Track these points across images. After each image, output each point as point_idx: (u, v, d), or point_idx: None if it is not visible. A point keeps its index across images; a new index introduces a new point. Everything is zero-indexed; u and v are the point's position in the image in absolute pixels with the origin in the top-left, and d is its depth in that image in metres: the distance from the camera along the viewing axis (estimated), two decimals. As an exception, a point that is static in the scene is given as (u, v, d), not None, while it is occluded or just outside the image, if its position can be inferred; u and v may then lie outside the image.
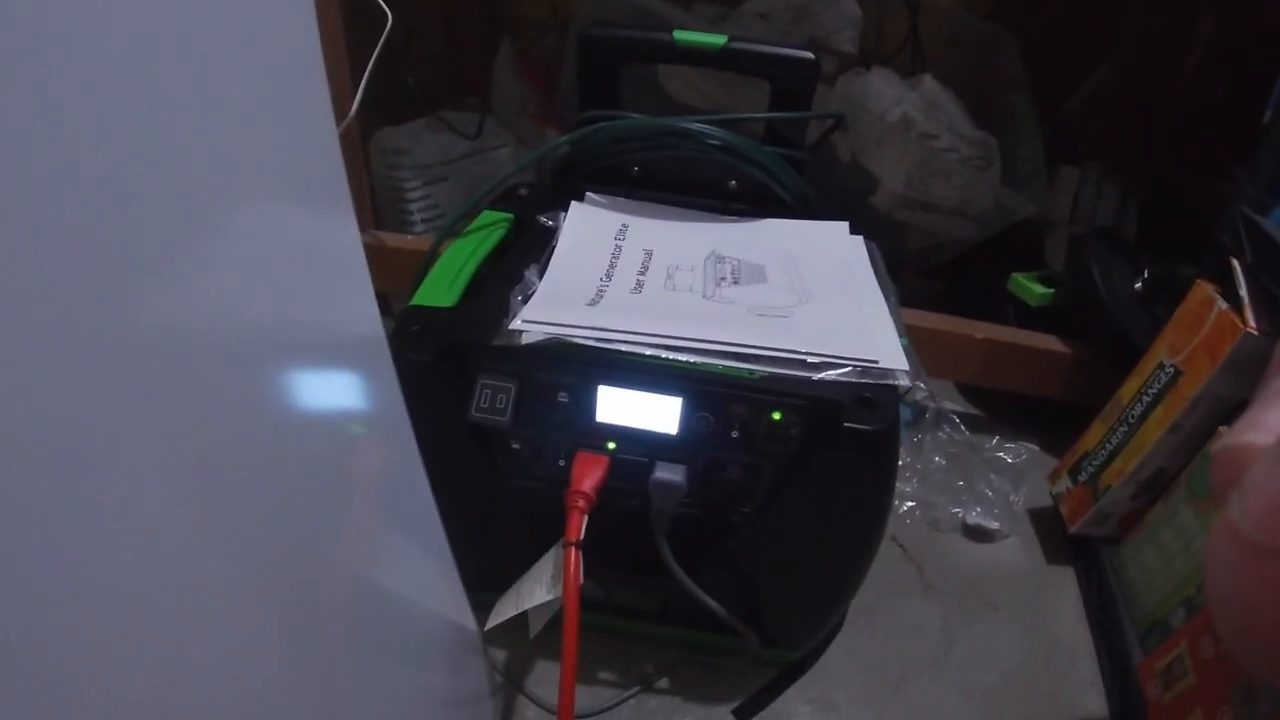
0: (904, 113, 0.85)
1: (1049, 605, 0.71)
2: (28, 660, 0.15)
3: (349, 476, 0.31)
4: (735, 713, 0.59)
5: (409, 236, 0.86)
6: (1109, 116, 1.01)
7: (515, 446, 0.50)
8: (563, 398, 0.48)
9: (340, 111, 0.70)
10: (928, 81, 0.89)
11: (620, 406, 0.48)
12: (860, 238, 0.63)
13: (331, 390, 0.30)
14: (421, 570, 0.41)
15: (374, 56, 0.72)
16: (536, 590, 0.47)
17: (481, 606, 0.50)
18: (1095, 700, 0.63)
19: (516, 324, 0.47)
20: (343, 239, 0.29)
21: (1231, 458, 0.15)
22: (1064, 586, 0.72)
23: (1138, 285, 0.82)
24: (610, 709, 0.58)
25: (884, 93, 0.87)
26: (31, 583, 0.15)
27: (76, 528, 0.16)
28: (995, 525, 0.75)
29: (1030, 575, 0.73)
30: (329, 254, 0.29)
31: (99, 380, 0.16)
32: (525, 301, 0.49)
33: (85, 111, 0.16)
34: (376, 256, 0.30)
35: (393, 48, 0.73)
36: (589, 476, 0.47)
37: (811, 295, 0.54)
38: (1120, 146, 0.99)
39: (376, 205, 0.93)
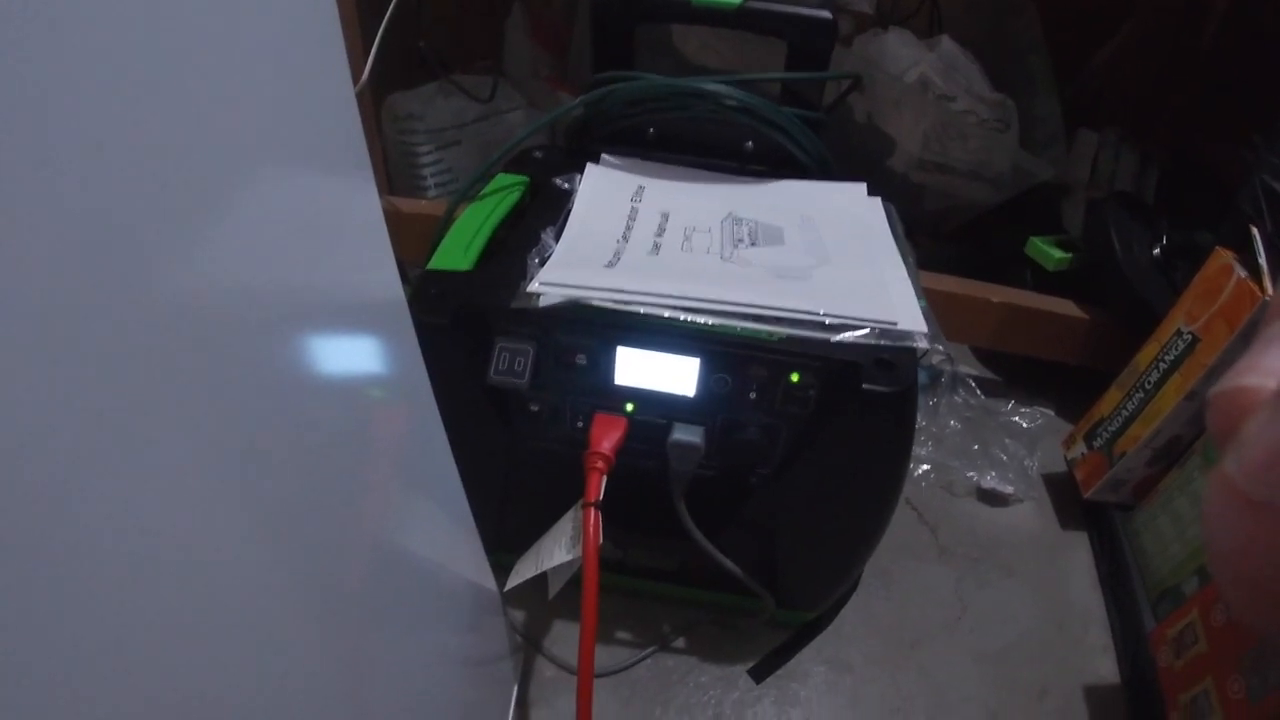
0: (921, 74, 0.84)
1: (1062, 570, 0.71)
2: (67, 618, 0.15)
3: (371, 440, 0.31)
4: (751, 672, 0.60)
5: (423, 201, 0.86)
6: (1128, 80, 0.99)
7: (534, 409, 0.50)
8: (581, 360, 0.48)
9: (351, 77, 0.70)
10: (945, 42, 0.87)
11: (638, 368, 0.48)
12: (878, 199, 0.63)
13: (353, 354, 0.30)
14: (442, 532, 0.41)
15: (385, 21, 0.72)
16: (556, 551, 0.47)
17: (501, 568, 0.51)
18: (1107, 666, 0.63)
19: (534, 286, 0.47)
20: (363, 202, 0.29)
21: (1229, 402, 0.14)
22: (1077, 552, 0.73)
23: (1156, 251, 0.81)
24: (628, 668, 0.59)
25: (901, 54, 0.85)
26: (58, 549, 0.15)
27: (102, 497, 0.16)
28: (1010, 490, 0.75)
29: (1044, 540, 0.73)
30: (349, 218, 0.28)
31: (120, 349, 0.16)
32: (542, 264, 0.49)
33: (101, 80, 0.16)
34: (390, 222, 0.30)
35: (403, 12, 0.73)
36: (607, 438, 0.47)
37: (829, 257, 0.54)
38: (1139, 111, 0.97)
39: (389, 171, 0.92)
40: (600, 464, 0.46)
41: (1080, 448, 0.75)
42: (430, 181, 0.92)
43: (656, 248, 0.53)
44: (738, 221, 0.57)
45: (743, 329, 0.46)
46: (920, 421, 0.78)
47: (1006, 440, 0.78)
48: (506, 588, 0.50)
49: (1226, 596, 0.14)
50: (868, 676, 0.61)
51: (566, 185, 0.60)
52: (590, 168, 0.62)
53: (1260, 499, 0.13)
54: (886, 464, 0.51)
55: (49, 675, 0.15)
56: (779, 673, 0.60)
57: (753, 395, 0.48)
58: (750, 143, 0.65)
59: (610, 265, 0.50)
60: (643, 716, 0.57)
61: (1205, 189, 0.85)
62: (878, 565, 0.68)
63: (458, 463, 0.40)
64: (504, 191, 0.60)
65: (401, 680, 0.35)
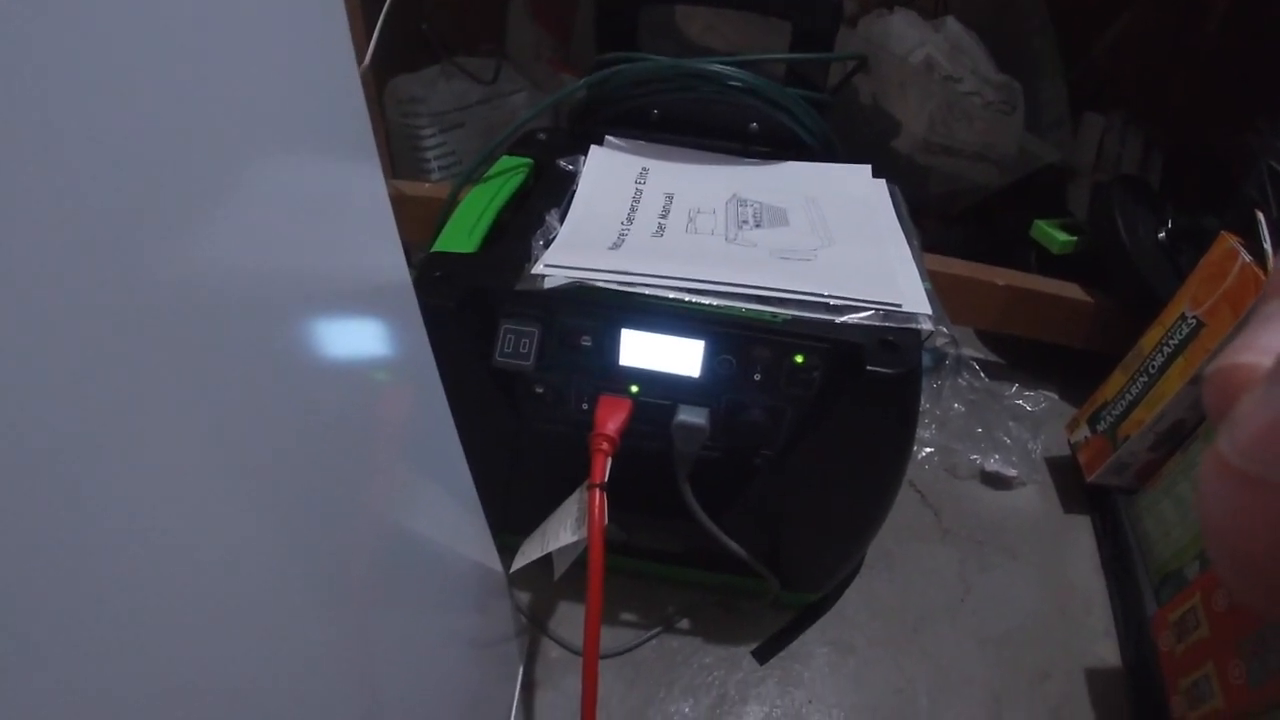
0: (927, 55, 0.83)
1: (1065, 554, 0.71)
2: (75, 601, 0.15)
3: (377, 423, 0.31)
4: (755, 653, 0.60)
5: (426, 184, 0.86)
6: (1134, 63, 0.98)
7: (539, 391, 0.50)
8: (585, 342, 0.48)
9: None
10: (951, 23, 0.87)
11: (643, 350, 0.48)
12: (883, 181, 0.63)
13: (358, 338, 0.30)
14: (448, 514, 0.41)
15: (387, 4, 0.71)
16: (561, 532, 0.47)
17: (507, 549, 0.51)
18: (1109, 649, 0.64)
19: (539, 269, 0.47)
20: (368, 185, 0.29)
21: (1225, 379, 0.14)
22: (1080, 535, 0.73)
23: (1161, 235, 0.81)
24: (632, 649, 0.59)
25: (906, 34, 0.85)
26: (62, 536, 0.15)
27: (108, 483, 0.16)
28: (1013, 473, 0.75)
29: (1047, 523, 0.74)
30: (355, 201, 0.28)
31: (124, 335, 0.16)
32: (547, 246, 0.49)
33: (103, 62, 0.15)
34: (394, 205, 0.30)
35: (406, -7, 0.72)
36: (612, 419, 0.47)
37: (834, 238, 0.54)
38: (1146, 94, 0.97)
39: (392, 154, 0.92)
40: (605, 445, 0.46)
41: (1084, 431, 0.75)
42: (434, 164, 0.91)
43: (661, 229, 0.53)
44: (742, 203, 0.57)
45: (747, 310, 0.46)
46: (924, 404, 0.78)
47: (1010, 423, 0.78)
48: (512, 569, 0.51)
49: (1222, 575, 0.14)
50: (871, 658, 0.61)
51: (570, 167, 0.60)
52: (594, 149, 0.62)
53: (1254, 475, 0.13)
54: (890, 446, 0.51)
55: (59, 664, 0.15)
56: (782, 654, 0.60)
57: (757, 377, 0.48)
58: (755, 124, 0.64)
59: (614, 247, 0.50)
60: (647, 697, 0.57)
61: (1210, 173, 0.85)
62: (881, 547, 0.68)
63: (463, 445, 0.40)
64: (508, 174, 0.60)
65: (408, 662, 0.35)
